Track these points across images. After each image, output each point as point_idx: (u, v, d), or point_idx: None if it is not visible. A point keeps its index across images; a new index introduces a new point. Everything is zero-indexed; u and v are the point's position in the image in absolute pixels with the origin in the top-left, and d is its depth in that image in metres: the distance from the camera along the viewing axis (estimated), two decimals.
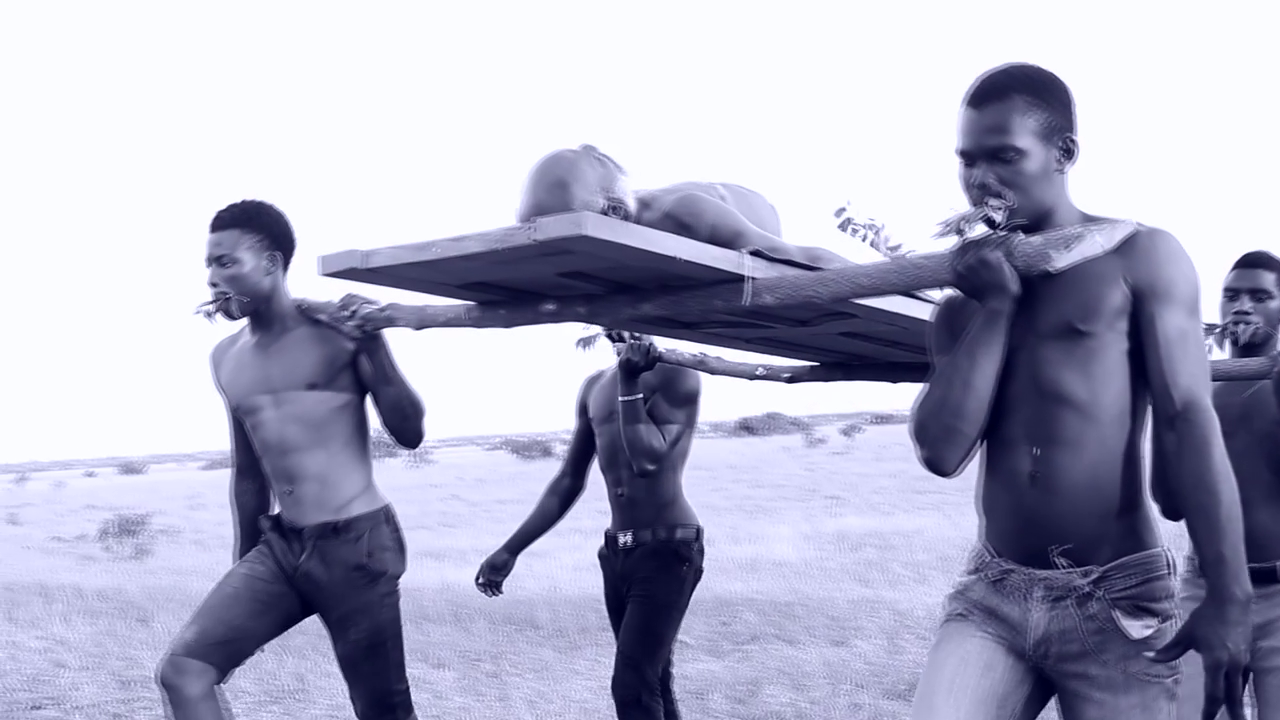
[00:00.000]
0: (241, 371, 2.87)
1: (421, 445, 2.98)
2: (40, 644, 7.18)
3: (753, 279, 2.06)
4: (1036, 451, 1.76)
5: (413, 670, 5.77)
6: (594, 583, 3.44)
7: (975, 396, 1.77)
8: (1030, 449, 1.77)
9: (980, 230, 1.78)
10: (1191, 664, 1.70)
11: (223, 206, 2.81)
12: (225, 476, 3.16)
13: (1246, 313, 2.75)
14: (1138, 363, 1.75)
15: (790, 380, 3.25)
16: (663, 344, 3.16)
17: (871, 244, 2.26)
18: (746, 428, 56.81)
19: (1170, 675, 1.75)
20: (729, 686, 5.31)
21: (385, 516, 2.88)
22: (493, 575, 3.51)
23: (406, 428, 2.79)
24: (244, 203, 2.83)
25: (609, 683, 3.24)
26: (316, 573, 2.79)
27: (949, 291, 1.95)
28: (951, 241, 1.80)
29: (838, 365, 3.25)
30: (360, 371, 2.80)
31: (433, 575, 9.79)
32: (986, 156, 1.75)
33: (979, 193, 1.76)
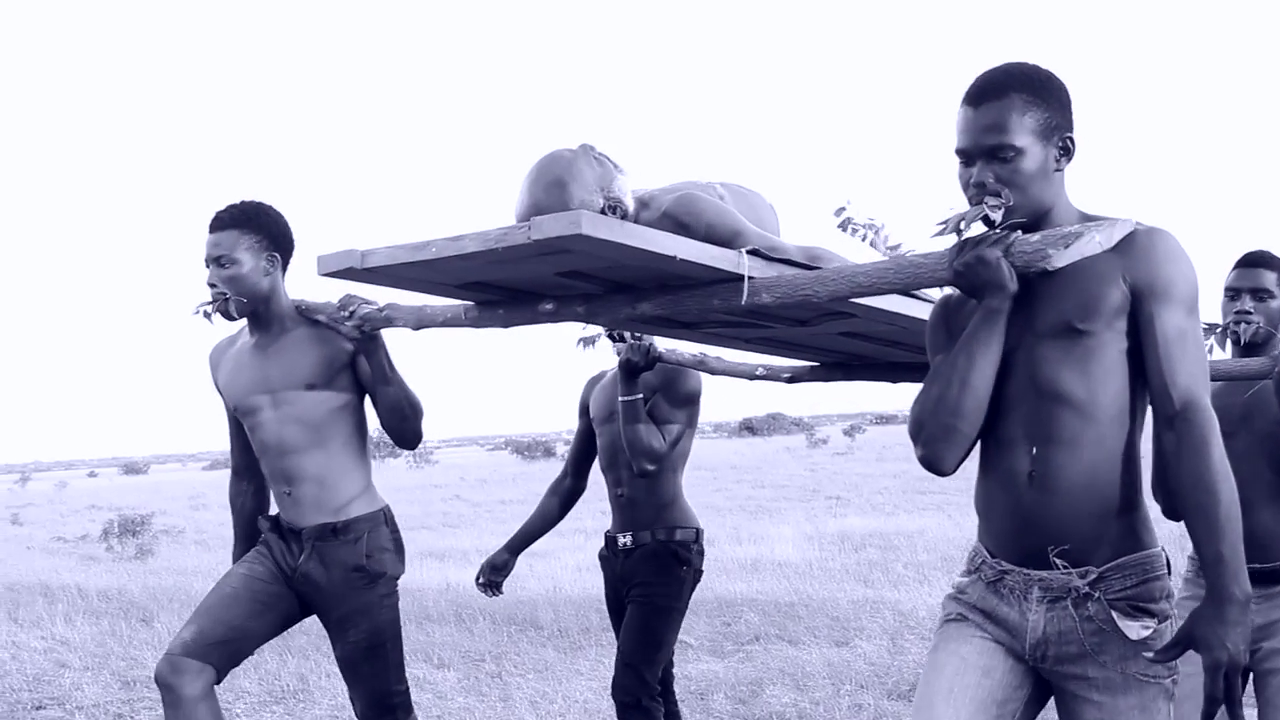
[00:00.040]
0: (240, 372, 2.87)
1: (423, 446, 2.99)
2: (43, 644, 7.19)
3: (751, 278, 2.06)
4: (1034, 451, 1.76)
5: (415, 670, 5.80)
6: (596, 583, 3.45)
7: (973, 395, 1.76)
8: (1028, 448, 1.76)
9: (978, 229, 1.78)
10: (1191, 663, 1.70)
11: (222, 207, 2.82)
12: (227, 477, 3.16)
13: (1248, 312, 2.74)
14: (1136, 362, 1.75)
15: (790, 380, 3.25)
16: (663, 344, 3.16)
17: (871, 244, 2.26)
18: (749, 428, 56.82)
19: (1168, 676, 1.75)
20: (731, 687, 5.31)
21: (384, 518, 2.88)
22: (493, 576, 3.51)
23: (405, 428, 2.79)
24: (243, 204, 2.84)
25: (610, 684, 3.24)
26: (315, 574, 2.79)
27: (948, 290, 1.95)
28: (950, 241, 1.80)
29: (838, 365, 3.25)
30: (359, 372, 2.80)
31: (435, 576, 9.80)
32: (985, 155, 1.75)
33: (977, 191, 1.76)
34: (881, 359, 3.15)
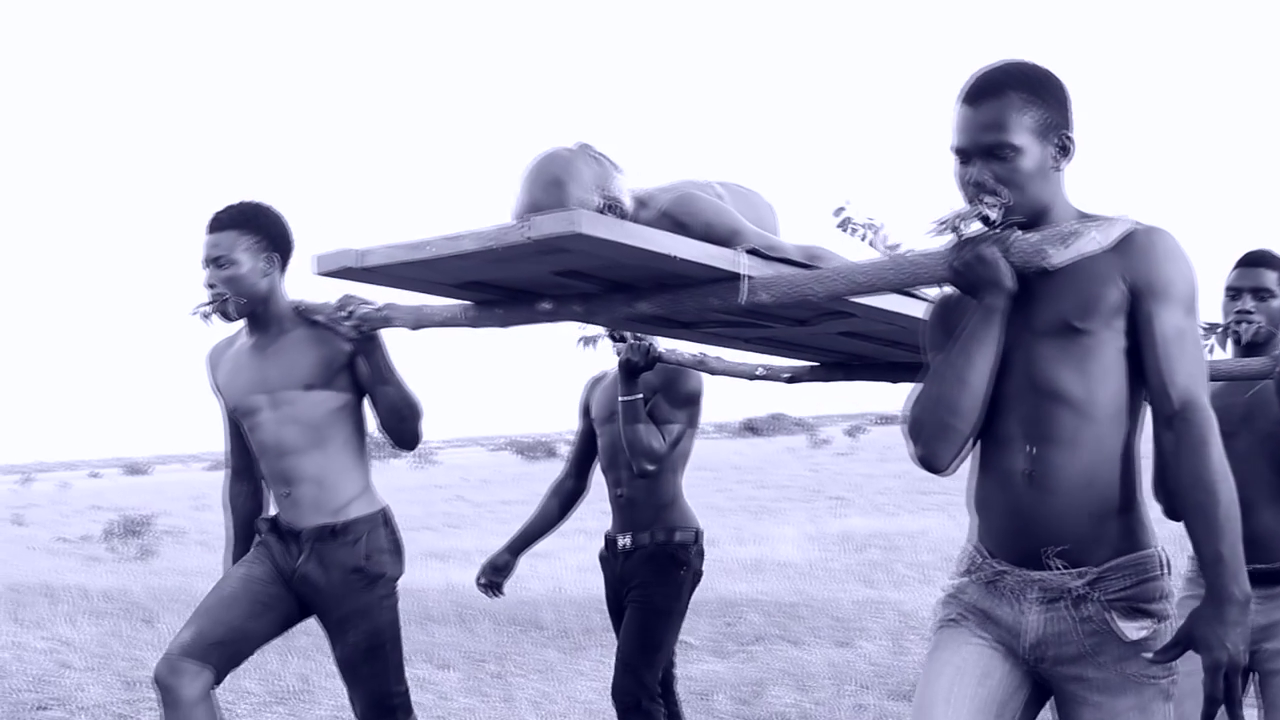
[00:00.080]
0: (239, 373, 2.86)
1: (425, 446, 2.99)
2: (45, 645, 7.20)
3: (749, 277, 2.05)
4: (1032, 450, 1.75)
5: (417, 671, 5.80)
6: (598, 583, 3.44)
7: (970, 393, 1.76)
8: (1025, 447, 1.76)
9: (976, 228, 1.77)
10: (1192, 661, 1.70)
11: (220, 208, 2.81)
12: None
13: (1249, 312, 2.73)
14: (1135, 361, 1.74)
15: (790, 380, 3.25)
16: (663, 344, 3.15)
17: (870, 243, 2.26)
18: (751, 428, 56.82)
19: (1166, 676, 1.74)
20: (733, 687, 5.31)
21: (383, 519, 2.87)
22: (494, 576, 3.50)
23: (403, 429, 2.78)
24: (242, 204, 2.83)
25: (610, 686, 3.23)
26: (314, 575, 2.78)
27: (947, 289, 1.95)
28: (947, 240, 1.80)
29: (838, 365, 3.24)
30: (357, 373, 2.79)
31: (437, 576, 9.80)
32: (982, 154, 1.75)
33: (975, 190, 1.75)
34: (882, 359, 3.15)
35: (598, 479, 3.49)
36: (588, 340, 3.22)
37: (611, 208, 2.18)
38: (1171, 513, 2.35)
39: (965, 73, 1.80)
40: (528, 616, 7.43)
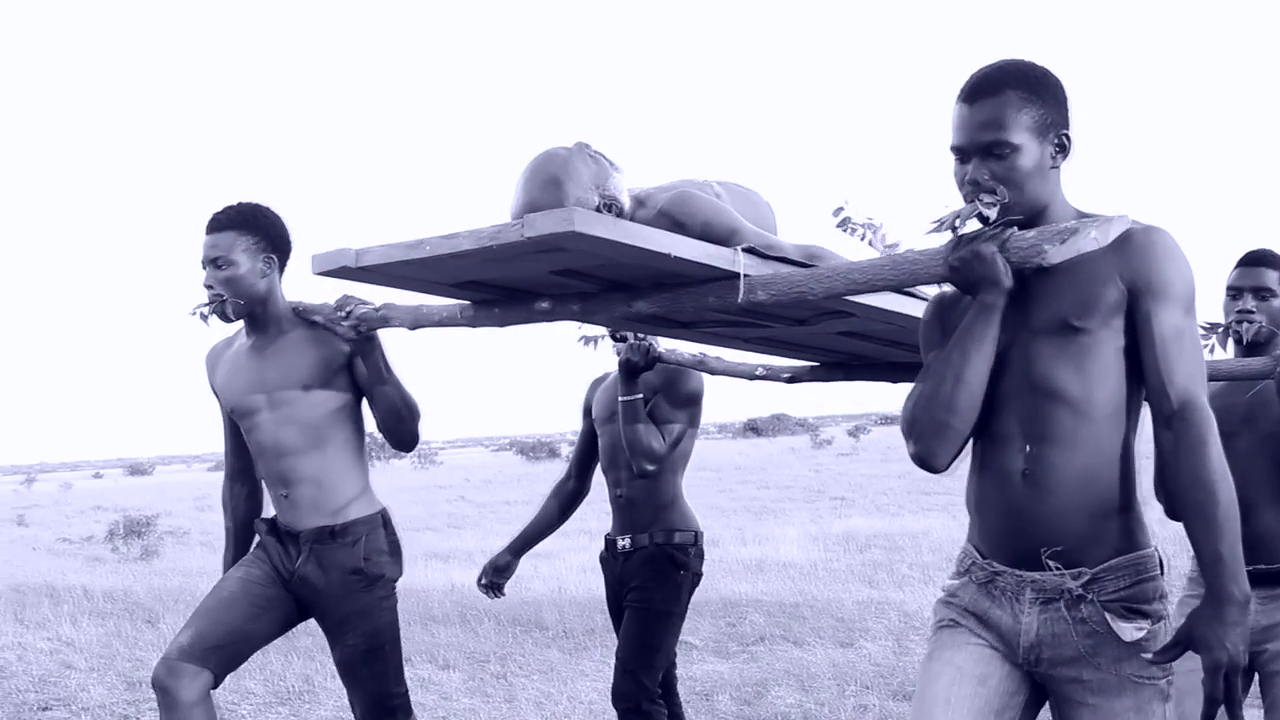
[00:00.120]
0: (237, 374, 2.86)
1: (428, 447, 2.98)
2: (48, 645, 7.21)
3: (747, 276, 2.04)
4: (1029, 449, 1.74)
5: (419, 671, 5.81)
6: (600, 584, 3.44)
7: (967, 391, 1.75)
8: (1022, 446, 1.75)
9: (974, 227, 1.76)
10: (1194, 659, 1.69)
11: (219, 209, 2.81)
12: None
13: (1250, 311, 2.72)
14: (1133, 360, 1.73)
15: (790, 380, 3.25)
16: (663, 344, 3.15)
17: (869, 243, 2.26)
18: (753, 429, 56.79)
19: (1164, 676, 1.74)
20: (736, 688, 5.31)
21: (382, 520, 2.86)
22: (495, 577, 3.50)
23: (401, 430, 2.77)
24: (240, 205, 2.83)
25: (610, 689, 3.23)
26: (313, 577, 2.78)
27: (945, 288, 1.95)
28: (945, 238, 1.80)
29: (838, 365, 3.24)
30: (356, 374, 2.79)
31: (439, 576, 9.80)
32: (980, 152, 1.74)
33: (972, 189, 1.75)
34: (882, 359, 3.15)
35: (599, 480, 3.49)
36: (589, 340, 3.23)
37: (609, 207, 2.18)
38: (1172, 513, 2.35)
39: (964, 72, 1.80)
40: (530, 617, 7.43)
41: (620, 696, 3.14)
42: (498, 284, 2.25)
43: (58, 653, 6.94)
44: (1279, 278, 2.75)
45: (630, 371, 3.15)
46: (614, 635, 3.33)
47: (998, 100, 1.73)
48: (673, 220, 2.18)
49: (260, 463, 2.87)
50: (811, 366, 3.27)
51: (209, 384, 2.98)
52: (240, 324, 2.87)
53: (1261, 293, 2.73)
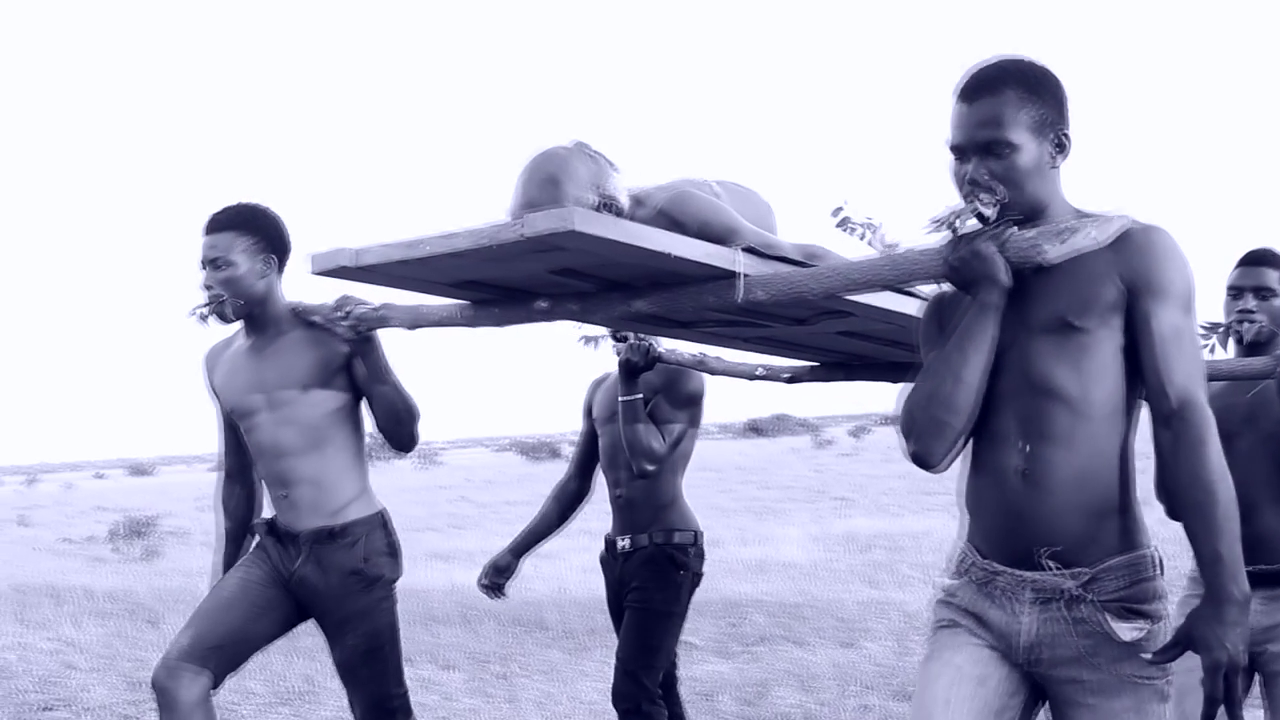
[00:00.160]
0: (236, 375, 2.85)
1: (429, 447, 2.97)
2: (50, 645, 7.22)
3: (745, 275, 2.04)
4: (1026, 448, 1.74)
5: (421, 672, 5.81)
6: (602, 584, 3.44)
7: (965, 389, 1.74)
8: (1020, 445, 1.74)
9: (972, 225, 1.76)
10: (1194, 657, 1.69)
11: (218, 209, 2.80)
12: None
13: (1251, 311, 2.72)
14: (1131, 359, 1.73)
15: (790, 380, 3.25)
16: (664, 344, 3.15)
17: (869, 243, 2.26)
18: (754, 429, 56.74)
19: (1162, 677, 1.73)
20: (737, 688, 5.31)
21: (381, 521, 2.85)
22: (496, 578, 3.50)
23: (400, 431, 2.77)
24: (239, 205, 2.82)
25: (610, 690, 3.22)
26: (312, 578, 2.77)
27: (945, 286, 1.94)
28: (944, 237, 1.79)
29: (838, 365, 3.24)
30: (355, 374, 2.78)
31: (441, 577, 9.81)
32: (978, 151, 1.74)
33: (971, 187, 1.74)
34: (882, 359, 3.14)
35: (602, 480, 3.49)
36: (590, 340, 3.23)
37: (607, 206, 2.17)
38: (1173, 513, 2.35)
39: (963, 70, 1.79)
40: (532, 617, 7.43)
41: (620, 697, 3.14)
42: (496, 284, 2.25)
43: (60, 653, 6.94)
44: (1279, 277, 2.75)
45: (630, 371, 3.14)
46: (615, 636, 3.33)
47: (997, 98, 1.73)
48: (671, 219, 2.18)
49: (259, 463, 2.87)
50: (811, 366, 3.27)
51: (207, 384, 2.97)
52: (239, 324, 2.87)
53: (1262, 292, 2.73)
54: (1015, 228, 1.75)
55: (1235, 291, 2.76)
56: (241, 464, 2.97)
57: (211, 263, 2.75)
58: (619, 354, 3.15)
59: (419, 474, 33.45)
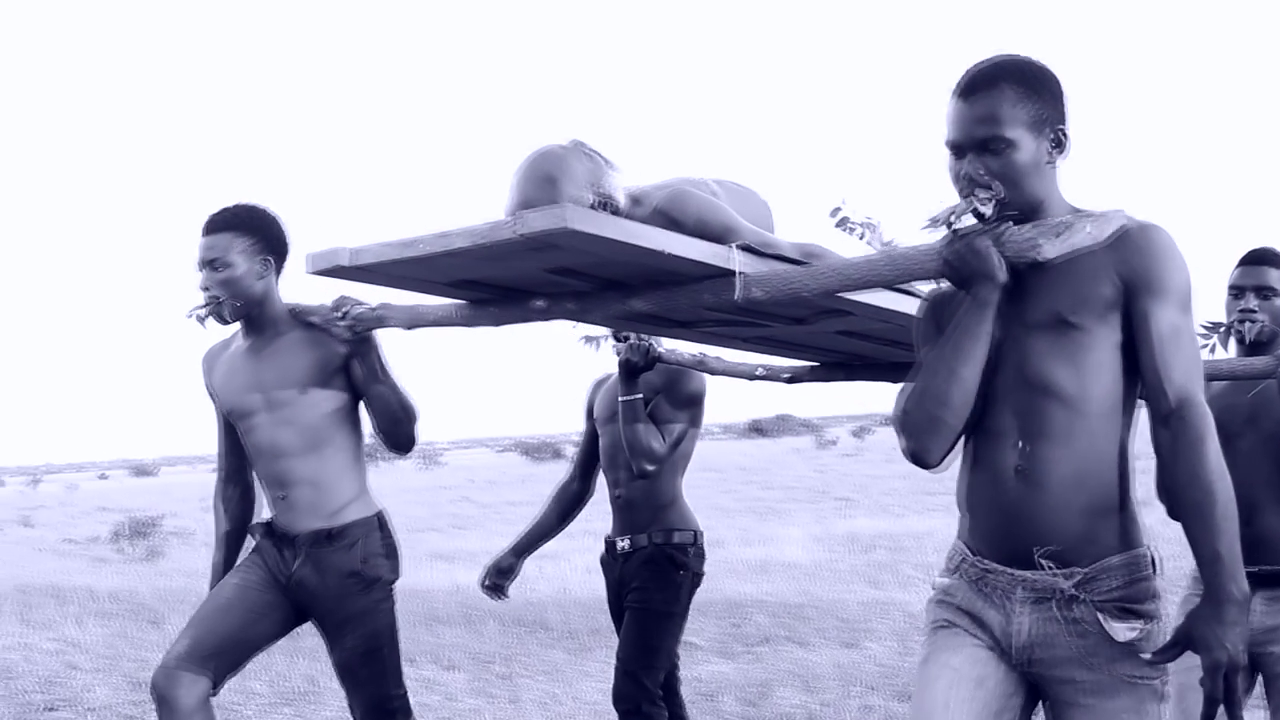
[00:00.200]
0: (234, 376, 2.85)
1: (432, 447, 2.96)
2: (53, 646, 7.23)
3: (742, 274, 2.04)
4: (1022, 445, 1.73)
5: (424, 672, 5.81)
6: (604, 584, 3.44)
7: (961, 386, 1.74)
8: (1016, 442, 1.73)
9: (969, 223, 1.75)
10: (1195, 655, 1.69)
11: (216, 210, 2.80)
12: None
13: (1252, 310, 2.71)
14: (1129, 357, 1.72)
15: (790, 380, 3.24)
16: (664, 344, 3.15)
17: (868, 242, 2.26)
18: (757, 429, 56.73)
19: (1159, 676, 1.72)
20: (740, 688, 5.31)
21: (379, 522, 2.84)
22: (498, 579, 3.49)
23: (398, 432, 2.76)
24: (237, 206, 2.82)
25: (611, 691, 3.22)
26: (310, 580, 2.76)
27: (943, 284, 1.94)
28: (942, 235, 1.79)
29: (838, 365, 3.23)
30: (353, 375, 2.78)
31: (443, 577, 9.81)
32: (976, 148, 1.73)
33: (968, 185, 1.74)
34: (882, 359, 3.14)
35: (602, 480, 3.49)
36: (591, 340, 3.22)
37: (604, 205, 2.17)
38: (1174, 512, 2.34)
39: (962, 69, 1.79)
40: (534, 618, 7.43)
41: (621, 698, 3.13)
42: (493, 283, 2.24)
43: (63, 653, 6.95)
44: None
45: (630, 372, 3.14)
46: (617, 636, 3.33)
47: (994, 95, 1.72)
48: (668, 218, 2.17)
49: (257, 464, 2.86)
50: (812, 366, 3.26)
51: (206, 385, 2.97)
52: (237, 325, 2.86)
53: (1264, 292, 2.72)
54: (1012, 225, 1.74)
55: (1236, 291, 2.75)
56: (238, 465, 2.96)
57: (209, 264, 2.75)
58: (619, 354, 3.15)
59: (421, 474, 33.47)
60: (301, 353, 2.78)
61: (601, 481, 3.47)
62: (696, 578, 3.26)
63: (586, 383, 3.59)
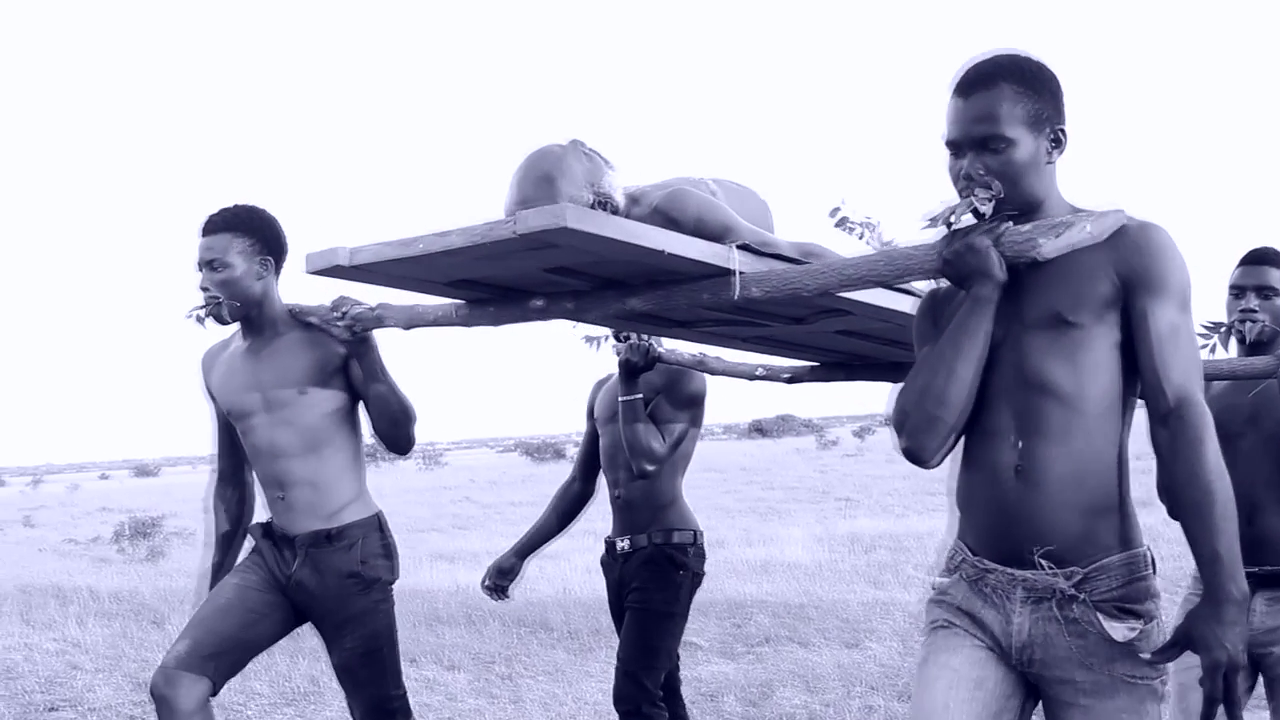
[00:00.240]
0: (233, 376, 2.85)
1: (433, 448, 2.96)
2: (55, 646, 7.23)
3: (740, 273, 2.04)
4: (1020, 444, 1.72)
5: (425, 672, 5.81)
6: (605, 585, 3.44)
7: (959, 384, 1.73)
8: (1013, 441, 1.73)
9: (968, 221, 1.75)
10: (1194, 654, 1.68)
11: (215, 211, 2.80)
12: None
13: (1253, 310, 2.71)
14: (1127, 356, 1.72)
15: (790, 380, 3.24)
16: (664, 344, 3.15)
17: (867, 242, 2.26)
18: (759, 429, 56.70)
19: (1157, 676, 1.72)
20: (741, 689, 5.30)
21: (378, 523, 2.84)
22: (499, 579, 3.49)
23: (397, 433, 2.76)
24: (236, 207, 2.82)
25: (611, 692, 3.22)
26: (309, 581, 2.76)
27: (941, 283, 1.94)
28: (940, 234, 1.79)
29: (838, 365, 3.23)
30: (352, 376, 2.78)
31: (445, 577, 9.81)
32: (974, 146, 1.73)
33: (966, 183, 1.74)
34: (882, 358, 3.14)
35: (603, 481, 3.49)
36: (592, 340, 3.22)
37: (603, 204, 2.17)
38: (1174, 512, 2.34)
39: (960, 67, 1.79)
40: (536, 618, 7.43)
41: (621, 699, 3.13)
42: (492, 283, 2.25)
43: (64, 653, 6.96)
44: None
45: (630, 372, 3.14)
46: (618, 637, 3.33)
47: (992, 94, 1.72)
48: (667, 217, 2.17)
49: (256, 465, 2.86)
50: (812, 366, 3.26)
51: (204, 386, 2.97)
52: (236, 326, 2.87)
53: (1265, 291, 2.72)
54: (1011, 223, 1.74)
55: (1237, 291, 2.75)
56: (235, 466, 2.96)
57: (208, 264, 2.75)
58: (619, 354, 3.14)
59: (423, 475, 33.47)
60: (300, 353, 2.78)
61: (601, 482, 3.46)
62: (696, 578, 3.26)
63: (588, 383, 3.60)
